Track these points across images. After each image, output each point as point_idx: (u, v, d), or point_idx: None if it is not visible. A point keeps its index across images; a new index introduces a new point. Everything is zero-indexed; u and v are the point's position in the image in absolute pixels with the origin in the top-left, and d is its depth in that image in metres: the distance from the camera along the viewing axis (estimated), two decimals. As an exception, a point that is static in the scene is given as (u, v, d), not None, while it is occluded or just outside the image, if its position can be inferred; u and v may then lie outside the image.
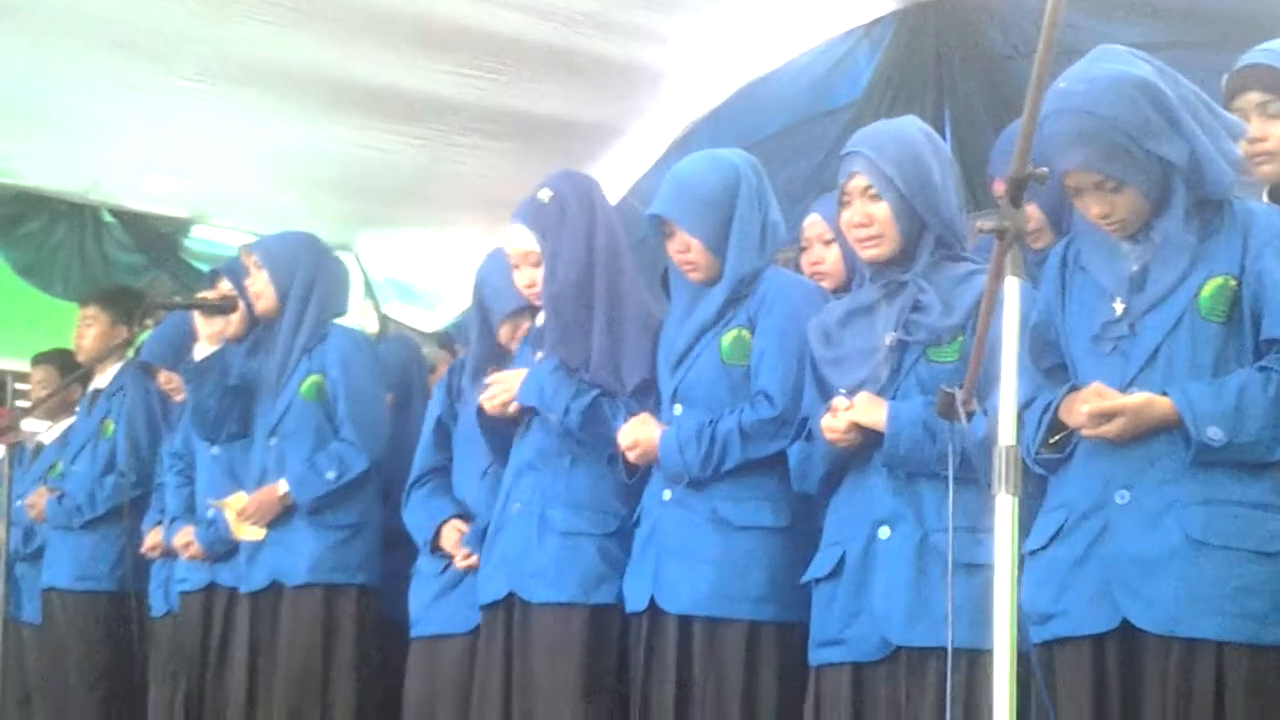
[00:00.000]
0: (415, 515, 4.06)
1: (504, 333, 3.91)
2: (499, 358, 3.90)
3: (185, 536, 4.61)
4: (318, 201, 7.00)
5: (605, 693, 3.45)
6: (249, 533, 4.33)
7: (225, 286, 4.56)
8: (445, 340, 5.12)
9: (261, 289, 4.39)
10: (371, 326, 7.51)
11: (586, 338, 3.54)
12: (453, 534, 3.95)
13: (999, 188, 3.24)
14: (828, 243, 3.64)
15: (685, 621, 3.25)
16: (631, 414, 3.44)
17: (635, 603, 3.35)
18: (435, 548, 4.00)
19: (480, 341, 3.96)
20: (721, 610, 3.21)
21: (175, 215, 7.44)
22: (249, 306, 4.46)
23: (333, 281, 4.51)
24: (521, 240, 3.66)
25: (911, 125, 3.08)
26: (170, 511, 4.87)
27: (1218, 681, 2.45)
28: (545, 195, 3.63)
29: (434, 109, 6.22)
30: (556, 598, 3.49)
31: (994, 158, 3.45)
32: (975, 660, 2.68)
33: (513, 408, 3.66)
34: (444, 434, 4.12)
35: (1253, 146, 2.86)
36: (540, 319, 3.75)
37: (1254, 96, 2.88)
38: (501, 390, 3.64)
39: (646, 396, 3.52)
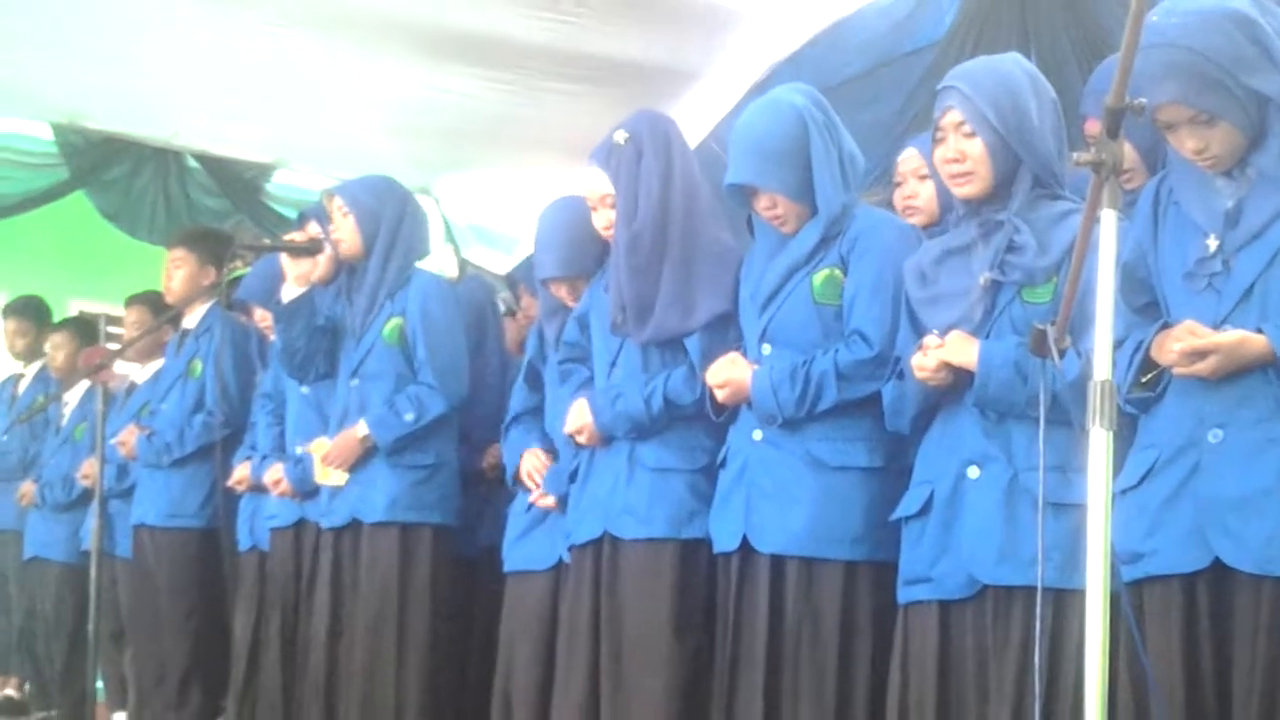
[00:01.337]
0: (509, 450, 4.12)
1: (560, 291, 3.95)
2: (563, 310, 3.96)
3: (275, 474, 4.68)
4: (397, 146, 7.04)
5: (695, 628, 3.48)
6: (332, 477, 4.39)
7: (313, 229, 4.60)
8: (512, 283, 5.14)
9: (347, 234, 4.42)
10: (451, 271, 7.55)
11: (657, 278, 3.55)
12: (529, 461, 3.99)
13: (1092, 127, 3.21)
14: (922, 178, 3.60)
15: (779, 561, 3.25)
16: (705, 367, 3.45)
17: (726, 542, 3.36)
18: (516, 479, 4.04)
19: (541, 297, 4.06)
20: (818, 550, 3.22)
21: (257, 160, 7.51)
22: (335, 251, 4.50)
23: (415, 225, 4.54)
24: (598, 183, 3.67)
25: (1013, 62, 3.03)
26: (261, 449, 4.94)
27: (1313, 620, 2.43)
28: (621, 137, 3.63)
29: (512, 53, 6.23)
30: (647, 533, 3.51)
31: (1086, 97, 3.40)
32: (1063, 599, 2.69)
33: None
34: (535, 376, 4.16)
35: None
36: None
37: None
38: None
39: (724, 330, 3.52)
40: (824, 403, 3.23)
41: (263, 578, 4.89)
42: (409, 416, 4.32)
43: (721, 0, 5.93)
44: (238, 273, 5.12)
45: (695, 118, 6.39)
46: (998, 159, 2.93)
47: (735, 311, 3.51)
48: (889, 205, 3.66)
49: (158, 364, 5.70)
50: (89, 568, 4.69)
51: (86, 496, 5.72)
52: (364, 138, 7.00)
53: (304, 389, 4.68)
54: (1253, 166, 2.57)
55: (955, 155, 2.95)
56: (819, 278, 3.31)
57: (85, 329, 6.61)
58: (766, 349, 3.35)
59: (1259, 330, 2.49)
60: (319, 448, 4.42)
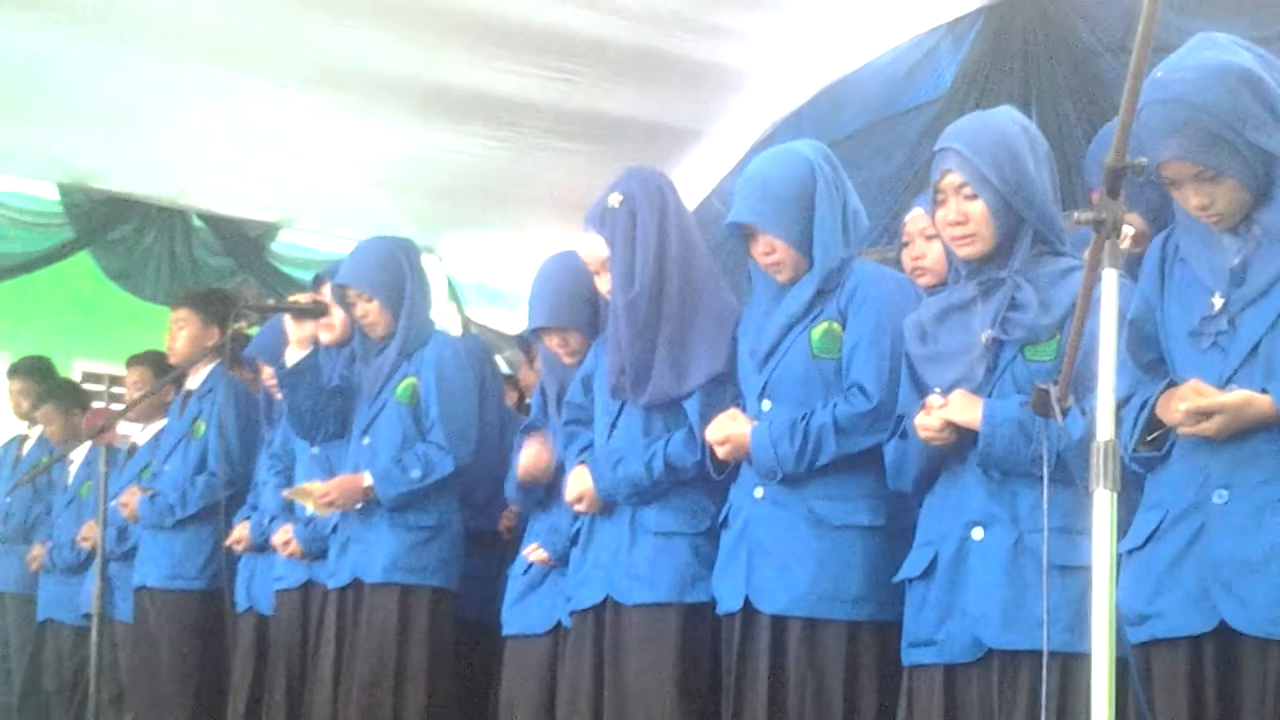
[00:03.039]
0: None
1: (551, 342, 3.95)
2: (561, 369, 3.96)
3: (285, 534, 4.65)
4: (402, 205, 7.07)
5: (700, 692, 3.44)
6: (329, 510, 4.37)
7: (326, 293, 4.57)
8: (524, 343, 5.13)
9: (375, 317, 4.39)
10: (454, 329, 7.55)
11: (654, 341, 3.54)
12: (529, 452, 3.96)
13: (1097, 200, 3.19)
14: (930, 238, 3.56)
15: (780, 622, 3.23)
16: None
17: (728, 603, 3.33)
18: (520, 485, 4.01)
19: (542, 355, 4.08)
20: (820, 611, 3.19)
21: (263, 219, 7.53)
22: (360, 330, 4.47)
23: (425, 283, 4.54)
24: (595, 247, 3.66)
25: (1007, 117, 3.02)
26: (268, 510, 4.92)
27: (1319, 685, 2.40)
28: (615, 200, 3.62)
29: (516, 112, 6.26)
30: (651, 598, 3.48)
31: (1088, 167, 3.38)
32: (1069, 664, 2.65)
33: None
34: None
35: None
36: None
37: None
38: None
39: (723, 390, 3.50)
40: (824, 456, 3.21)
41: (260, 639, 4.85)
42: (415, 474, 4.30)
43: (724, 58, 5.96)
44: (241, 333, 5.11)
45: (698, 176, 6.42)
46: (1000, 219, 2.92)
47: (732, 371, 3.49)
48: (893, 264, 3.65)
49: (159, 424, 5.69)
50: (90, 631, 4.65)
51: (90, 559, 5.69)
52: (368, 197, 7.03)
53: (314, 449, 4.66)
54: (1258, 224, 2.56)
55: (958, 217, 2.94)
56: (817, 331, 3.30)
57: (72, 395, 6.61)
58: (766, 404, 3.34)
59: (1264, 390, 2.48)
60: (314, 487, 4.38)
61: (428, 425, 4.37)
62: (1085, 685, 2.10)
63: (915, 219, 3.65)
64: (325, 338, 4.51)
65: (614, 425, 3.66)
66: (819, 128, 5.82)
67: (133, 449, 5.87)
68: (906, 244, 3.68)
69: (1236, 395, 2.48)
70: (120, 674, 5.61)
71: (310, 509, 4.43)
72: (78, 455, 6.24)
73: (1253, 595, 2.45)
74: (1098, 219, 2.13)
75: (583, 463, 3.67)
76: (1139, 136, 2.39)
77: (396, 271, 4.43)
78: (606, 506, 3.61)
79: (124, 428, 5.88)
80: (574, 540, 3.74)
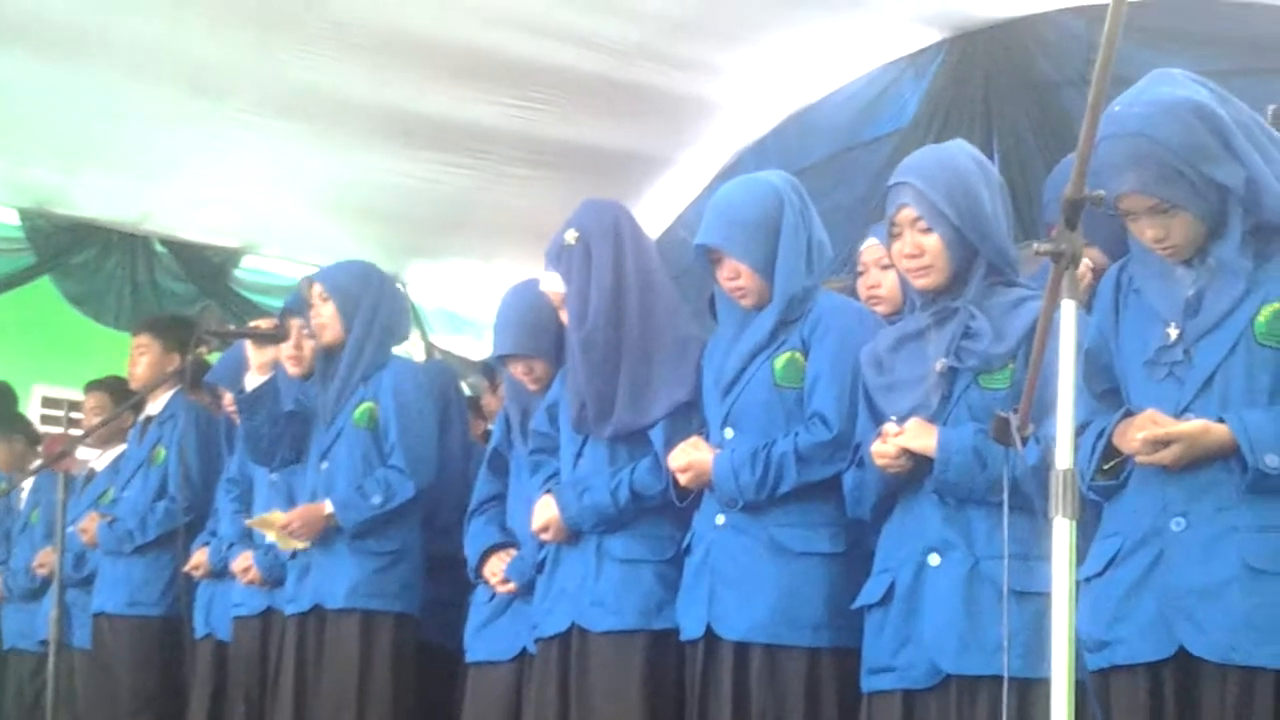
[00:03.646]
0: (470, 542, 4.09)
1: (516, 370, 3.96)
2: (525, 396, 3.98)
3: (244, 562, 4.63)
4: (366, 231, 7.06)
5: (666, 719, 3.43)
6: (293, 543, 4.34)
7: (295, 320, 4.57)
8: (489, 370, 5.14)
9: (328, 320, 4.40)
10: (418, 355, 7.54)
11: (615, 373, 3.55)
12: (495, 563, 3.97)
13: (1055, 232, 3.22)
14: (885, 267, 3.60)
15: (742, 649, 3.23)
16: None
17: (691, 630, 3.33)
18: (479, 575, 4.01)
19: (506, 381, 4.08)
20: (781, 638, 3.19)
21: (225, 245, 7.51)
22: (314, 339, 4.47)
23: (394, 310, 4.55)
24: (554, 284, 3.67)
25: (960, 150, 3.05)
26: (227, 537, 4.90)
27: (1277, 710, 2.42)
28: (571, 237, 3.63)
29: (482, 140, 6.28)
30: (617, 625, 3.48)
31: (1046, 204, 3.41)
32: (1027, 689, 2.67)
33: None
34: (501, 462, 4.14)
35: None
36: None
37: None
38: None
39: (688, 417, 3.51)
40: (784, 485, 3.22)
41: (219, 666, 4.82)
42: (376, 500, 4.29)
43: (688, 89, 5.99)
44: (201, 359, 5.09)
45: (662, 204, 6.44)
46: (954, 251, 2.95)
47: (697, 399, 3.50)
48: (851, 293, 3.68)
49: (119, 450, 5.66)
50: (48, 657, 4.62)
51: (46, 585, 5.65)
52: (332, 224, 7.02)
53: (272, 476, 4.65)
54: (1213, 256, 2.59)
55: (913, 250, 2.97)
56: (780, 361, 3.32)
57: (17, 426, 6.55)
58: (729, 433, 3.35)
59: (1220, 419, 2.50)
60: (275, 518, 4.36)
61: (387, 449, 4.36)
62: (1041, 711, 2.11)
63: (870, 249, 3.69)
64: (292, 369, 4.50)
65: (579, 455, 3.67)
66: (783, 157, 5.85)
67: (91, 474, 5.83)
68: (861, 273, 3.71)
69: (1194, 424, 2.51)
70: (78, 701, 5.56)
71: (271, 538, 4.41)
72: (28, 482, 6.20)
73: (1211, 622, 2.47)
74: (1056, 250, 2.16)
75: (548, 491, 3.67)
76: (1095, 169, 2.42)
77: (362, 286, 4.44)
78: (572, 535, 3.61)
79: (83, 453, 5.86)
80: (539, 568, 3.74)
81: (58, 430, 6.85)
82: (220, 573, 4.81)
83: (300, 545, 4.34)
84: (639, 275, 3.61)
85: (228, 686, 4.76)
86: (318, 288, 4.43)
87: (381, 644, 4.27)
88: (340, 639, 4.26)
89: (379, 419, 4.37)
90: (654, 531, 3.55)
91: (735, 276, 3.34)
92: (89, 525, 5.35)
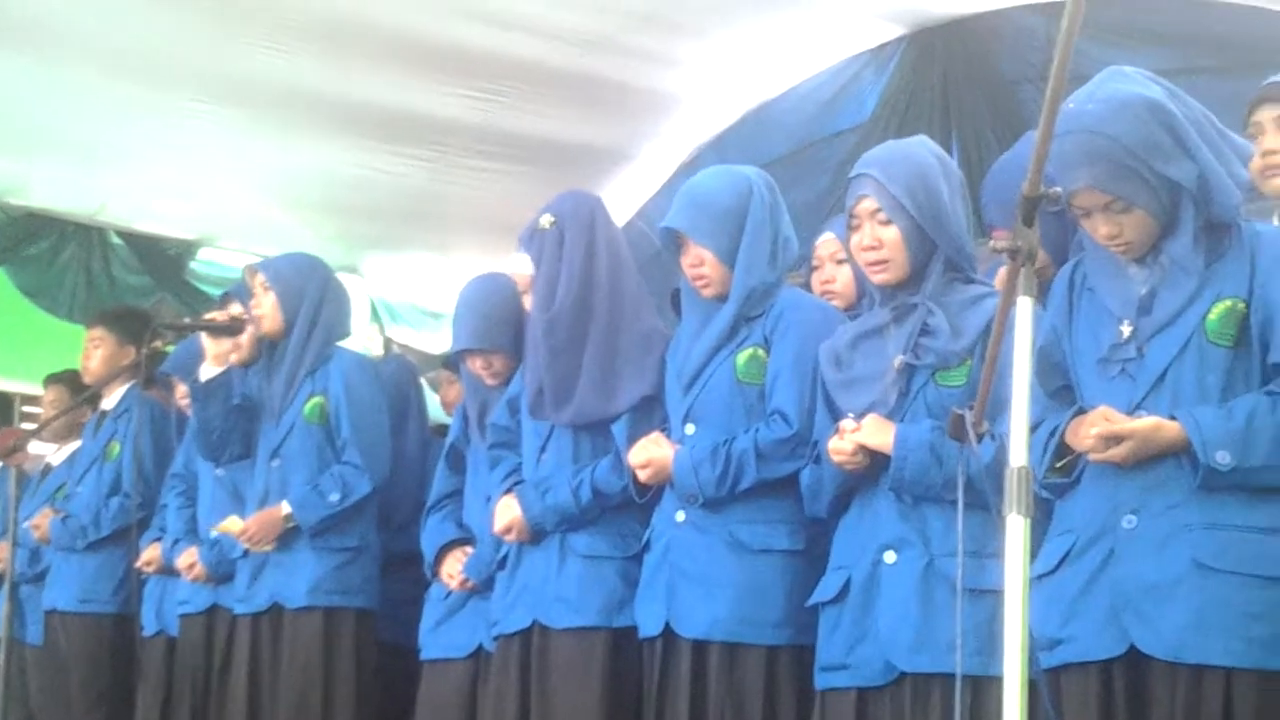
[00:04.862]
0: (426, 540, 4.07)
1: (475, 365, 3.94)
2: (483, 390, 3.96)
3: (189, 558, 4.60)
4: (324, 224, 7.01)
5: (626, 717, 3.43)
6: (259, 547, 4.32)
7: (235, 309, 4.55)
8: (449, 362, 5.11)
9: (268, 310, 4.38)
10: (376, 349, 7.50)
11: (578, 361, 3.54)
12: (452, 563, 3.95)
13: (999, 236, 3.23)
14: (840, 262, 3.61)
15: (701, 646, 3.23)
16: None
17: (649, 627, 3.33)
18: (435, 573, 3.99)
19: (464, 376, 4.07)
20: (740, 635, 3.19)
21: (182, 237, 7.45)
22: (255, 327, 4.46)
23: (338, 304, 4.51)
24: (524, 266, 3.67)
25: (922, 146, 3.06)
26: (172, 533, 4.85)
27: (1226, 708, 2.43)
28: (546, 221, 3.64)
29: (441, 131, 6.24)
30: (579, 622, 3.47)
31: (986, 205, 3.42)
32: (980, 687, 2.68)
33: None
34: (458, 458, 4.13)
35: (1265, 159, 2.86)
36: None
37: (1272, 109, 2.88)
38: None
39: (650, 413, 3.51)
40: (744, 482, 3.22)
41: (169, 663, 4.79)
42: (334, 497, 4.27)
43: (650, 82, 5.97)
44: (157, 352, 5.05)
45: (623, 198, 6.43)
46: (913, 245, 2.96)
47: (660, 394, 3.49)
48: (806, 287, 3.68)
49: (74, 445, 5.61)
50: (-1, 654, 4.58)
51: (1, 580, 5.60)
52: (290, 216, 6.97)
53: (218, 471, 4.61)
54: (1165, 254, 2.60)
55: (872, 243, 2.98)
56: (742, 357, 3.31)
57: None
58: (690, 428, 3.34)
59: (1172, 417, 2.51)
60: (231, 525, 4.34)
61: (340, 445, 4.33)
62: (994, 708, 2.11)
63: (825, 243, 3.70)
64: (233, 357, 4.47)
65: (543, 449, 3.66)
66: (744, 152, 5.84)
67: (47, 469, 5.78)
68: (817, 267, 3.72)
69: (1146, 421, 2.52)
70: (30, 698, 5.51)
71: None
72: (-17, 476, 6.15)
73: (1162, 619, 2.48)
74: (1013, 247, 2.16)
75: (509, 491, 3.65)
76: (1050, 166, 2.42)
77: (306, 280, 4.43)
78: (536, 535, 3.59)
79: (39, 448, 5.80)
80: (501, 564, 3.72)
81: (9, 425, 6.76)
82: (172, 569, 4.77)
83: (266, 549, 4.31)
84: (610, 267, 3.61)
85: (176, 683, 4.73)
86: (260, 277, 4.41)
87: (344, 641, 4.26)
88: (302, 637, 4.23)
89: (329, 414, 4.34)
90: (618, 528, 3.54)
91: (698, 264, 3.34)
92: (42, 521, 5.31)
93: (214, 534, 4.50)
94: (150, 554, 4.90)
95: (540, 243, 3.62)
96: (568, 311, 3.55)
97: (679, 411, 3.38)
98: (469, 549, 3.96)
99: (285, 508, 4.28)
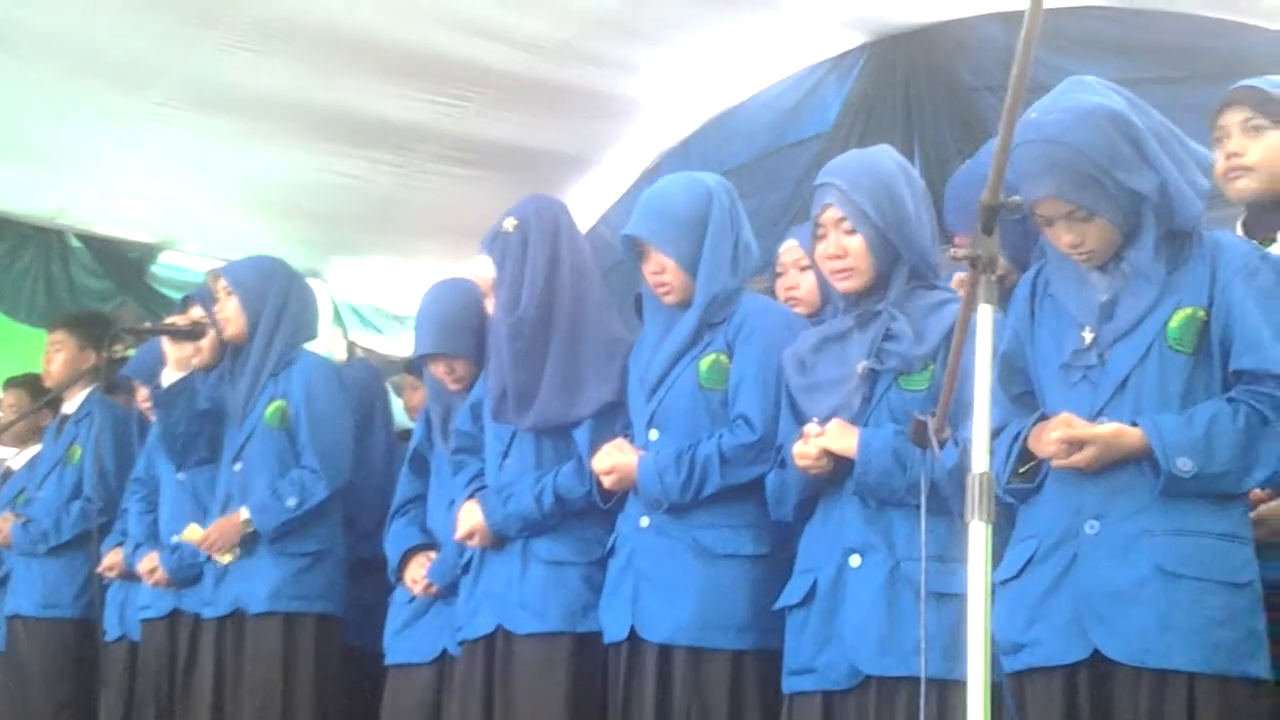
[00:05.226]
0: (390, 544, 4.07)
1: (437, 370, 3.94)
2: (446, 395, 3.97)
3: (150, 563, 4.58)
4: (286, 228, 6.99)
5: None
6: (224, 556, 4.30)
7: (196, 312, 4.54)
8: (412, 367, 5.11)
9: (231, 315, 4.37)
10: (339, 353, 7.48)
11: (541, 365, 3.54)
12: (416, 568, 3.95)
13: (960, 243, 3.25)
14: (804, 268, 3.63)
15: (666, 651, 3.23)
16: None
17: (614, 632, 3.33)
18: (400, 578, 3.99)
19: (427, 381, 4.06)
20: (705, 640, 3.20)
21: (143, 241, 7.41)
22: (219, 333, 4.44)
23: (302, 307, 4.50)
24: (487, 270, 3.68)
25: (885, 155, 3.09)
26: (133, 538, 4.83)
27: (1189, 713, 2.46)
28: (510, 225, 3.64)
29: (404, 136, 6.23)
30: (542, 627, 3.48)
31: (948, 211, 3.44)
32: (945, 690, 2.70)
33: None
34: (422, 463, 4.12)
35: (1229, 161, 2.90)
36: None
37: (1238, 113, 2.92)
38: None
39: (612, 419, 3.52)
40: (709, 487, 3.23)
41: (132, 668, 4.76)
42: (291, 502, 4.26)
43: (613, 88, 5.98)
44: (118, 356, 5.03)
45: (586, 203, 6.43)
46: (877, 253, 2.98)
47: (623, 400, 3.50)
48: (770, 294, 3.70)
49: (35, 449, 5.58)
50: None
51: (-40, 585, 5.56)
52: (252, 220, 6.95)
53: (180, 475, 4.59)
54: (1127, 261, 2.63)
55: (837, 251, 3.00)
56: (705, 362, 3.32)
57: None
58: (654, 434, 3.35)
59: (1134, 423, 2.54)
60: (192, 534, 4.32)
61: (299, 449, 4.32)
62: (959, 712, 2.13)
63: (789, 250, 3.72)
64: (194, 361, 4.45)
65: (506, 454, 3.66)
66: (706, 159, 5.86)
67: (7, 473, 5.74)
68: (781, 274, 3.74)
69: (1108, 427, 2.55)
70: (-10, 704, 5.48)
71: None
72: (-53, 480, 6.10)
73: (1125, 624, 2.51)
74: (974, 255, 2.18)
75: (471, 497, 3.66)
76: (1011, 175, 2.45)
77: (269, 283, 4.42)
78: (498, 541, 3.60)
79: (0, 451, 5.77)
80: (464, 569, 3.72)
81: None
82: (134, 574, 4.74)
83: (226, 558, 4.29)
84: (573, 272, 3.61)
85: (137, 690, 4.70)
86: (222, 282, 4.40)
87: (304, 646, 4.24)
88: (262, 642, 4.22)
89: (290, 417, 4.33)
90: (580, 534, 3.54)
91: (660, 271, 3.35)
92: (2, 525, 5.28)
93: (175, 541, 4.48)
94: (112, 559, 4.88)
95: (503, 246, 3.63)
96: (531, 315, 3.56)
97: (642, 417, 3.39)
98: (433, 554, 3.96)
99: (244, 513, 4.27)
